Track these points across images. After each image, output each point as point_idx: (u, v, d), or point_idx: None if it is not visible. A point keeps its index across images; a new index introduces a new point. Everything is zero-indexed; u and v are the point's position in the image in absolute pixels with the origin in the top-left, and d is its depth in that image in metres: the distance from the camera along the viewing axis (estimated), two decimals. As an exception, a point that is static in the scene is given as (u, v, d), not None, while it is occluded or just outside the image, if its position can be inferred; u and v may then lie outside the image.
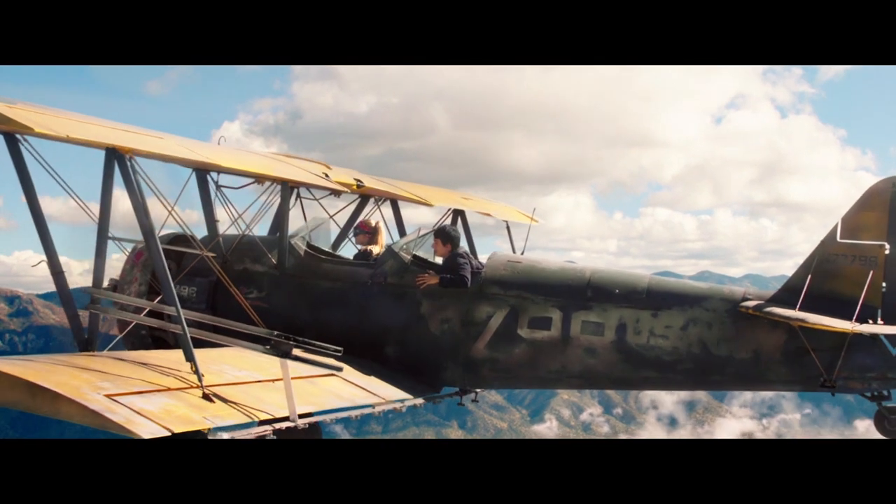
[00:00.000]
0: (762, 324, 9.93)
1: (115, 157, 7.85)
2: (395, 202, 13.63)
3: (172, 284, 8.31)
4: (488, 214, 14.54)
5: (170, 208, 9.26)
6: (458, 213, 14.23)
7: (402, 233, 13.96)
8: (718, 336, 10.13)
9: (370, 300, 10.96)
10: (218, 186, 11.09)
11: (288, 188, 10.94)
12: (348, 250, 12.69)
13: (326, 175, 11.09)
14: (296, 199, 12.52)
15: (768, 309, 9.80)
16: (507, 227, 14.68)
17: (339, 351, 8.17)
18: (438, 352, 10.70)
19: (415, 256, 11.25)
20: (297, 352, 7.92)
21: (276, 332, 7.97)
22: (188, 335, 7.86)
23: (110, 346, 8.49)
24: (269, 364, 8.43)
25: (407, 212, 13.91)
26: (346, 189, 10.78)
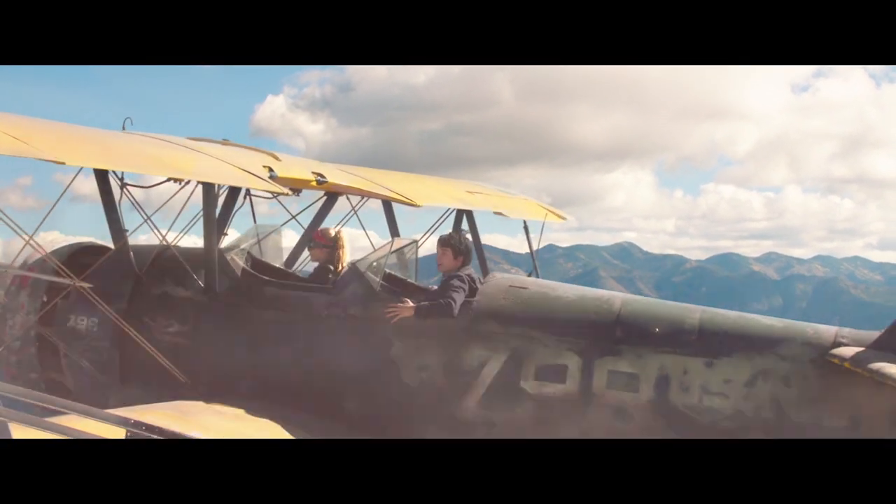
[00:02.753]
0: (863, 379, 7.24)
1: None
2: (388, 204, 11.03)
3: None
4: (500, 213, 11.90)
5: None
6: (464, 213, 11.63)
7: (391, 225, 11.37)
8: (799, 395, 7.46)
9: (326, 337, 8.41)
10: (123, 185, 8.58)
11: (213, 190, 8.38)
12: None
13: (271, 170, 8.49)
14: (244, 198, 10.03)
15: (875, 366, 7.08)
16: (525, 228, 12.07)
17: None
18: (414, 409, 8.13)
19: (387, 278, 8.66)
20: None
21: (133, 420, 5.41)
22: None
23: None
24: None
25: (403, 213, 11.30)
26: (287, 192, 8.21)
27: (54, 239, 8.48)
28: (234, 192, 9.80)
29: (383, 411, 8.19)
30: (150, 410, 7.33)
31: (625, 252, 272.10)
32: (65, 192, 7.33)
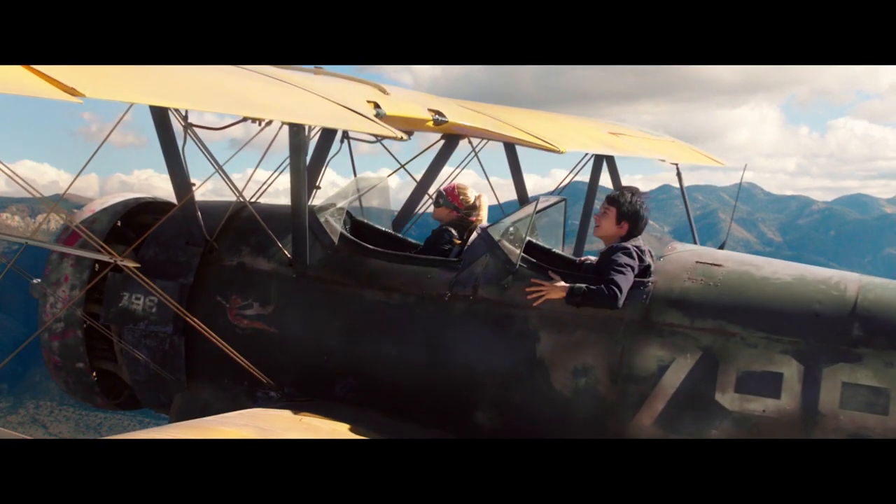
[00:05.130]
0: None
1: None
2: (510, 145, 9.21)
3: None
4: (662, 160, 10.04)
5: None
6: (604, 161, 9.77)
7: (522, 194, 9.53)
8: None
9: (449, 326, 6.65)
10: (187, 125, 6.89)
11: (303, 132, 6.62)
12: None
13: (377, 107, 6.72)
14: (341, 143, 8.32)
15: None
16: (679, 175, 10.26)
17: None
18: (568, 427, 6.34)
19: (529, 249, 6.84)
20: None
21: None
22: None
23: None
24: None
25: (529, 159, 9.56)
26: (401, 135, 6.40)
27: (148, 178, 7.02)
28: (328, 134, 8.11)
29: (527, 427, 6.42)
30: (220, 425, 5.75)
31: (745, 193, 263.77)
32: (114, 128, 5.65)
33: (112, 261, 5.57)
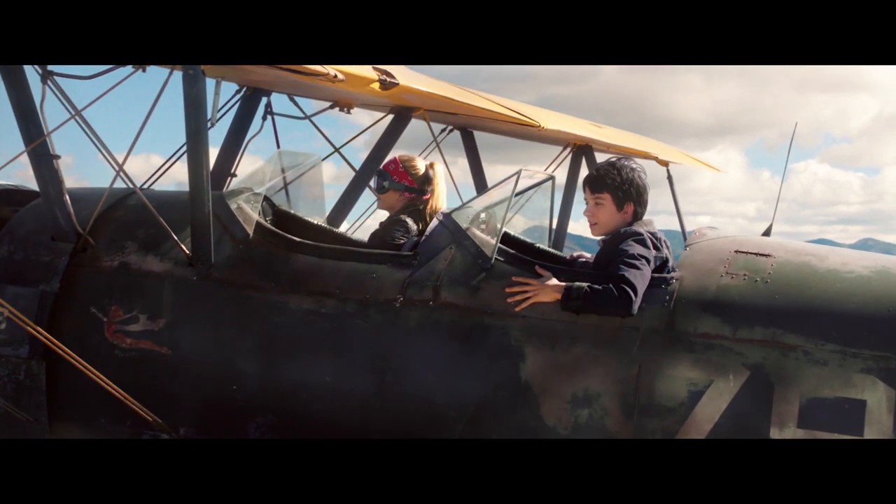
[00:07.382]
0: None
1: None
2: (468, 134, 8.11)
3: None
4: (653, 157, 8.87)
5: None
6: (583, 152, 8.48)
7: (479, 182, 8.39)
8: None
9: (401, 343, 5.13)
10: (47, 73, 5.29)
11: (200, 78, 5.04)
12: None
13: None
14: (263, 118, 6.88)
15: None
16: (669, 178, 9.25)
17: None
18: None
19: (506, 238, 5.30)
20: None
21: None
22: None
23: None
24: None
25: (490, 149, 8.38)
26: (329, 73, 4.87)
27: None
28: (247, 107, 6.68)
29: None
30: None
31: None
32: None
33: None
